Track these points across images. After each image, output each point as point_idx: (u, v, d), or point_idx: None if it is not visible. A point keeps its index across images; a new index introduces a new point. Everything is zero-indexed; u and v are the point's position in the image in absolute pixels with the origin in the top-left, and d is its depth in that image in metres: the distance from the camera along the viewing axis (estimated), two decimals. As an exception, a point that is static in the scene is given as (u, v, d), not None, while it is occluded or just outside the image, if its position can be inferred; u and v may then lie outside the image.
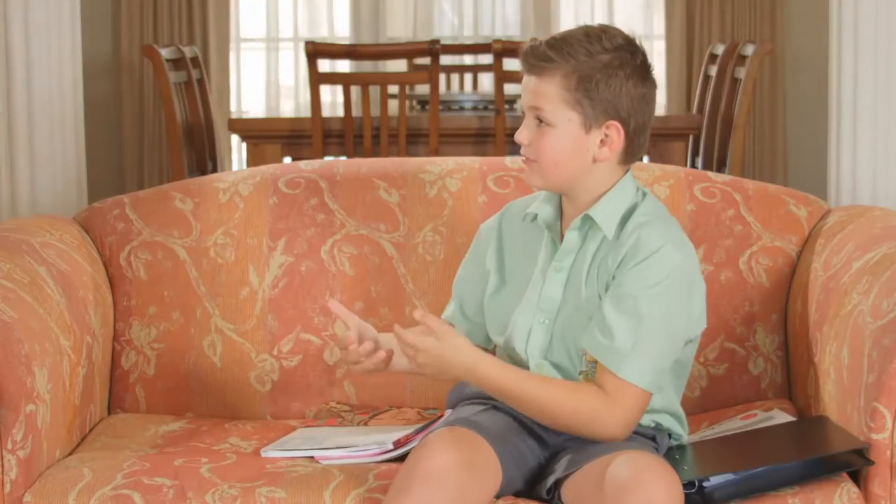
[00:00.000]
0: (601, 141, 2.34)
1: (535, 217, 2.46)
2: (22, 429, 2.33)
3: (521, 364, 2.40)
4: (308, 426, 2.68)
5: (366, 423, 2.63)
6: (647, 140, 2.39)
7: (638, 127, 2.35)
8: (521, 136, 2.37)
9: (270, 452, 2.50)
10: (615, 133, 2.33)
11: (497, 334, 2.49)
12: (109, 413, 2.82)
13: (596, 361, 2.33)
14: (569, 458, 2.30)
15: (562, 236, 2.43)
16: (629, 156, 2.38)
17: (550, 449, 2.36)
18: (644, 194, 2.40)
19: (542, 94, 2.34)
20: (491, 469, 2.25)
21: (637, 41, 2.36)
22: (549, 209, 2.44)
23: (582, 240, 2.39)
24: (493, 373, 2.30)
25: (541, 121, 2.35)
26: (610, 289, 2.32)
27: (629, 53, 2.33)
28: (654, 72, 2.39)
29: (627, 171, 2.40)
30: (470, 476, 2.18)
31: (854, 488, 2.31)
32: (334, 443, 2.51)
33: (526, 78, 2.36)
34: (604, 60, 2.31)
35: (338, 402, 2.77)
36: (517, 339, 2.41)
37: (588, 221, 2.38)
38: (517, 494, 2.33)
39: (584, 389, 2.30)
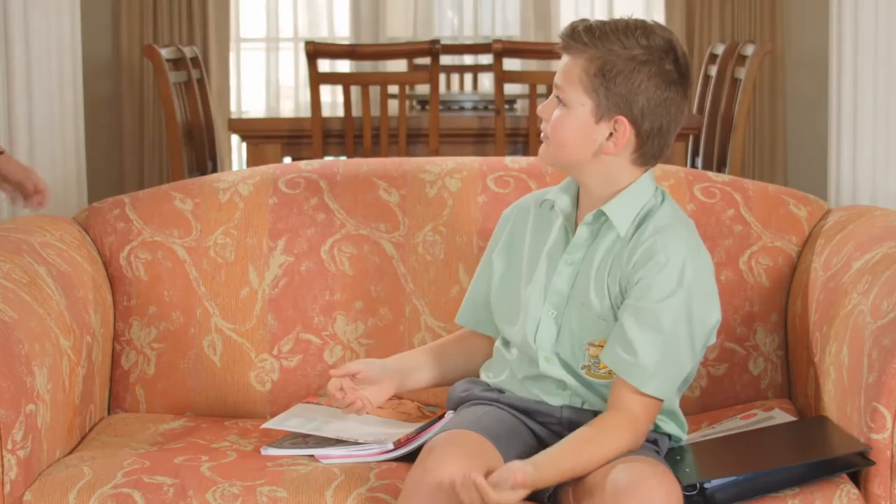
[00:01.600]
0: (610, 134, 2.32)
1: (552, 205, 2.45)
2: (22, 429, 2.33)
3: (531, 355, 2.39)
4: (308, 402, 2.67)
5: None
6: (665, 145, 2.34)
7: (653, 130, 2.31)
8: (540, 110, 2.37)
9: (270, 450, 2.51)
10: (623, 129, 2.30)
11: (507, 323, 2.46)
12: (109, 413, 2.82)
13: (599, 357, 2.33)
14: None
15: (576, 228, 2.41)
16: (644, 157, 2.34)
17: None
18: (664, 197, 2.38)
19: (566, 73, 2.32)
20: None
21: (679, 47, 2.32)
22: (567, 199, 2.42)
23: (593, 235, 2.37)
24: (548, 479, 2.21)
25: (559, 100, 2.34)
26: (628, 300, 2.29)
27: (662, 54, 2.29)
28: (689, 81, 2.34)
29: (646, 171, 2.37)
30: None
31: (854, 489, 2.30)
32: (333, 431, 2.51)
33: (562, 57, 2.35)
34: (631, 55, 2.28)
35: None
36: (528, 330, 2.39)
37: (601, 217, 2.36)
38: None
39: (612, 432, 2.24)
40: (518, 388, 2.42)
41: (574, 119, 2.32)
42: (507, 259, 2.51)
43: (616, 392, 2.29)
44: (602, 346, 2.33)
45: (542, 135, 2.38)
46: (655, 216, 2.34)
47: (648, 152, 2.34)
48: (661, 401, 2.29)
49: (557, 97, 2.34)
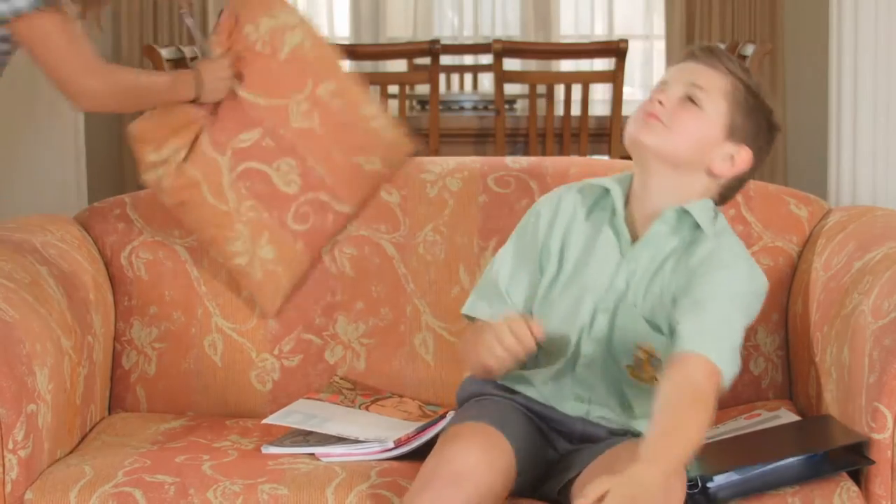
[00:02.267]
0: (730, 157, 2.32)
1: (605, 193, 2.40)
2: (23, 429, 2.33)
3: (562, 346, 2.35)
4: (310, 398, 2.68)
5: (367, 408, 2.64)
6: (737, 191, 2.40)
7: (752, 172, 2.36)
8: (659, 93, 2.33)
9: (271, 449, 2.51)
10: (743, 159, 2.33)
11: (557, 311, 2.38)
12: (110, 413, 2.83)
13: (642, 359, 2.31)
14: (576, 460, 2.29)
15: (627, 227, 2.35)
16: (725, 195, 2.38)
17: (560, 453, 2.36)
18: (716, 213, 2.37)
19: (711, 80, 2.32)
20: (510, 470, 2.24)
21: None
22: (619, 192, 2.36)
23: (665, 236, 2.33)
24: (671, 459, 2.08)
25: (692, 99, 2.31)
26: (686, 294, 2.26)
27: (771, 114, 2.36)
28: None
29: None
30: (491, 476, 2.18)
31: (854, 487, 2.31)
32: (335, 429, 2.51)
33: (690, 64, 2.35)
34: (761, 101, 2.34)
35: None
36: (578, 323, 2.35)
37: (683, 217, 2.33)
38: (522, 494, 2.32)
39: (688, 389, 2.14)
40: (532, 392, 2.41)
41: (706, 122, 2.31)
42: (561, 244, 2.42)
43: (683, 368, 2.16)
44: (651, 353, 2.31)
45: (652, 115, 2.32)
46: (715, 224, 2.35)
47: (732, 193, 2.39)
48: (721, 377, 2.18)
49: (689, 96, 2.31)
